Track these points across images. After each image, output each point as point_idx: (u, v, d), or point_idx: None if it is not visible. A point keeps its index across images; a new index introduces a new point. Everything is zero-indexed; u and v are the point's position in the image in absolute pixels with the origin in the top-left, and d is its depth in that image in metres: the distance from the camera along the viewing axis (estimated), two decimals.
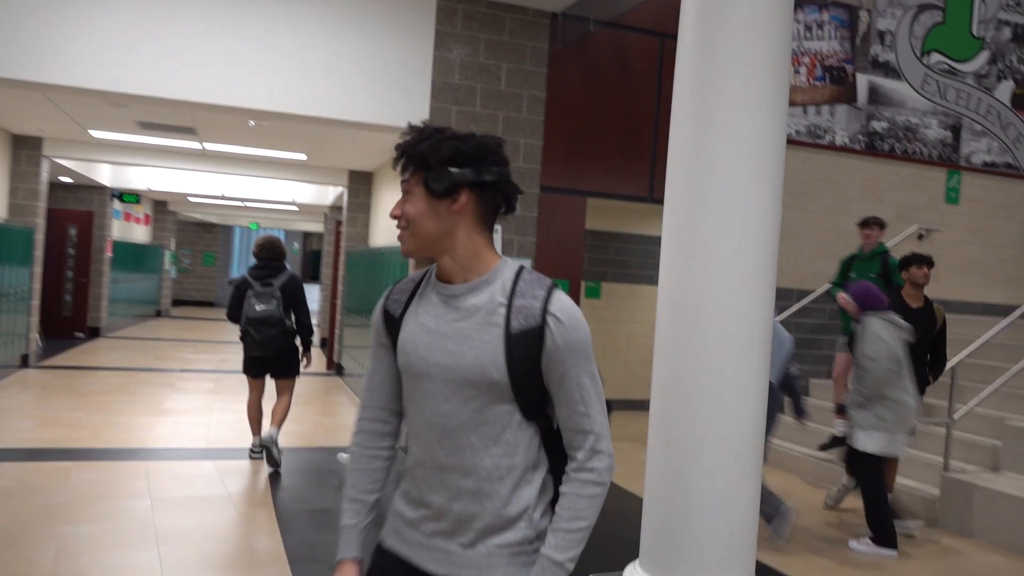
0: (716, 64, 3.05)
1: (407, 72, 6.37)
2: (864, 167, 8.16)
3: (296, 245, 29.59)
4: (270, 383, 6.11)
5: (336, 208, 13.43)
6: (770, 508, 4.66)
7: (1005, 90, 8.82)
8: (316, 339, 13.08)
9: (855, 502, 5.62)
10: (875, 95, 8.19)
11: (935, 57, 8.46)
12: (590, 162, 6.98)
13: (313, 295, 17.33)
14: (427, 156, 1.49)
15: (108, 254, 13.55)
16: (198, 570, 3.91)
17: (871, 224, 6.54)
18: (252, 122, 7.73)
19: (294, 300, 5.85)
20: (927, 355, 5.54)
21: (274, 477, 5.64)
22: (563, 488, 1.55)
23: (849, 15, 8.07)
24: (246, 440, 6.53)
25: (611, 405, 1.78)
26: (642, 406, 8.90)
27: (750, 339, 3.04)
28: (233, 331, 16.44)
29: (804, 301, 7.62)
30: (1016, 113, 8.87)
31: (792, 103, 7.73)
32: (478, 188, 1.51)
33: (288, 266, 6.15)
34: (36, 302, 10.11)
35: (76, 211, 13.23)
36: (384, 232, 9.73)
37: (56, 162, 10.79)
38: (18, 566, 3.79)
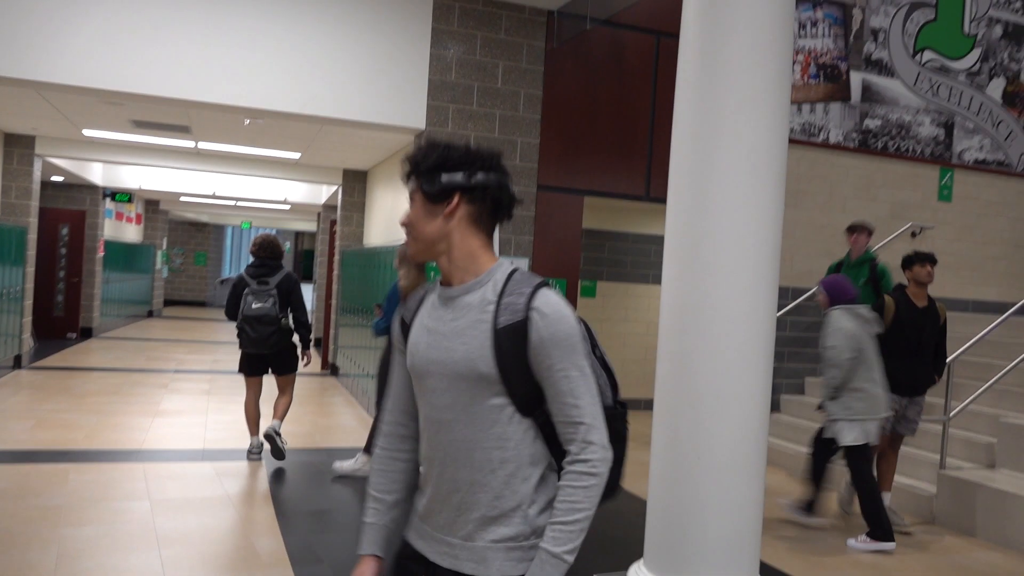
0: (718, 63, 3.06)
1: (403, 70, 6.36)
2: (858, 165, 8.20)
3: (288, 244, 29.51)
4: (267, 384, 6.10)
5: (330, 207, 13.40)
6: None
7: (996, 87, 8.87)
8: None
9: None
10: (868, 93, 8.23)
11: (927, 55, 8.50)
12: (586, 160, 6.98)
13: (306, 294, 17.28)
14: (419, 163, 1.61)
15: (100, 254, 13.48)
16: (200, 572, 3.90)
17: (859, 230, 6.50)
18: (247, 121, 7.71)
19: (290, 298, 5.92)
20: (933, 353, 5.45)
21: (273, 478, 5.63)
22: (559, 482, 1.58)
23: (843, 13, 8.10)
24: (243, 441, 6.51)
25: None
26: (637, 405, 8.91)
27: (753, 339, 3.05)
28: (225, 331, 16.41)
29: (799, 300, 7.65)
30: (1007, 110, 8.92)
31: None
32: (468, 192, 1.60)
33: (284, 265, 6.19)
34: (29, 302, 10.06)
35: (68, 210, 13.15)
36: (379, 231, 9.71)
37: (48, 161, 10.73)
38: (19, 569, 3.77)
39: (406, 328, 1.73)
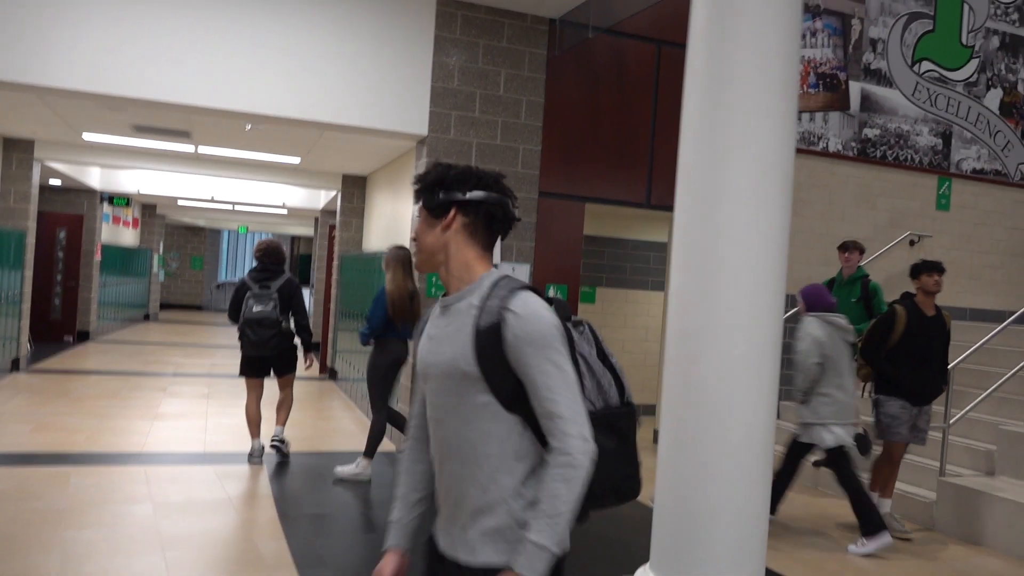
0: (726, 73, 3.08)
1: (406, 77, 6.39)
2: (857, 173, 8.24)
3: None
4: (268, 387, 6.14)
5: (328, 212, 13.40)
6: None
7: (994, 98, 8.94)
8: None
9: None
10: (867, 102, 8.28)
11: (926, 65, 8.56)
12: (588, 167, 7.01)
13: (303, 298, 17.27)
14: (423, 181, 1.77)
15: (97, 258, 13.46)
16: (205, 575, 3.90)
17: (851, 248, 6.52)
18: (249, 126, 7.72)
19: (291, 302, 6.03)
20: (942, 363, 5.41)
21: (275, 481, 5.63)
22: (543, 475, 1.63)
23: (842, 23, 8.16)
24: (244, 444, 6.50)
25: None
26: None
27: (760, 347, 3.07)
28: (222, 335, 16.38)
29: (796, 308, 7.66)
30: (1004, 121, 8.99)
31: None
32: (464, 206, 1.73)
33: (287, 270, 6.28)
34: (27, 306, 10.04)
35: (65, 214, 13.14)
36: (378, 237, 9.72)
37: (46, 165, 10.72)
38: (23, 573, 3.76)
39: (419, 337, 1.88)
